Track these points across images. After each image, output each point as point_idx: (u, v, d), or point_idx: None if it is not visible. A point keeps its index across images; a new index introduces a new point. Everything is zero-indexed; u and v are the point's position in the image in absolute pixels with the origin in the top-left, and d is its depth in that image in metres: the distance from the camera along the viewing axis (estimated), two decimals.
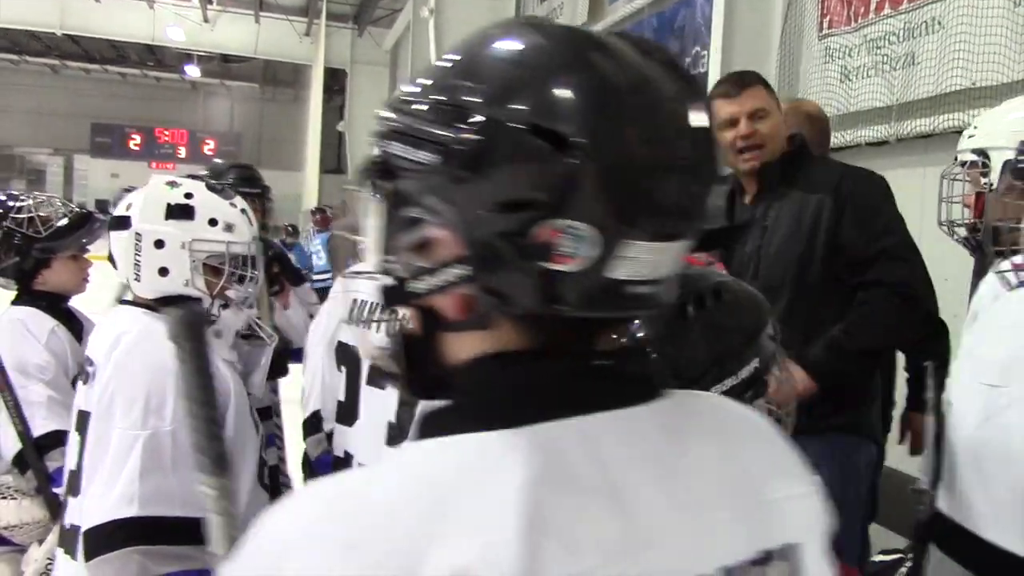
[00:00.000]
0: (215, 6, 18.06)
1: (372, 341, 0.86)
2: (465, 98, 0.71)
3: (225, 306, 2.06)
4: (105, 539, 1.72)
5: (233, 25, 18.27)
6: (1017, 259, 1.60)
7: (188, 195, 2.01)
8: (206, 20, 18.01)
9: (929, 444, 1.45)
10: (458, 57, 0.75)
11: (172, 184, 2.06)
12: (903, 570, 1.60)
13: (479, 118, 0.69)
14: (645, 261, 0.71)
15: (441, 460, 0.70)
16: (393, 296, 0.78)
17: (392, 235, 0.76)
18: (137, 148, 23.54)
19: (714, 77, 5.92)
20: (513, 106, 0.69)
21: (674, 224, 0.73)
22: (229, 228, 2.03)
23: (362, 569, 0.64)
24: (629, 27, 7.85)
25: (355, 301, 2.11)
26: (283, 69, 21.72)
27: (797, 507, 0.78)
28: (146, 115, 23.96)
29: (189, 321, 1.27)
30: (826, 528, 0.79)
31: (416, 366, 0.80)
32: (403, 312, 0.79)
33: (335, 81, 19.87)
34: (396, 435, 1.98)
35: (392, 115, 0.76)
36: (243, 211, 2.08)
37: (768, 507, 0.76)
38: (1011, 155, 1.99)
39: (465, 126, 0.69)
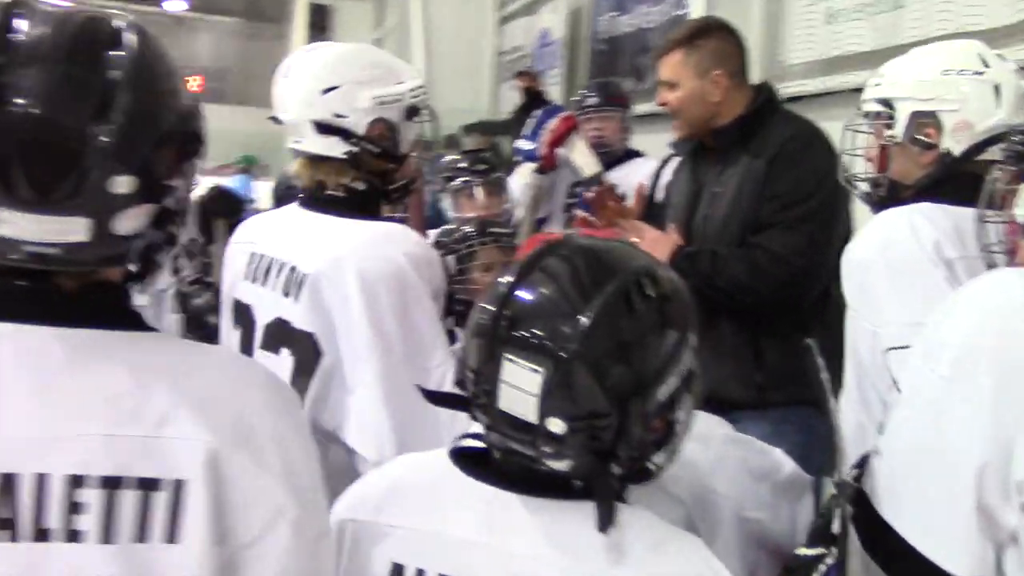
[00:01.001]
0: None
1: None
2: None
3: None
4: None
5: None
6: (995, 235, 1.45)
7: None
8: None
9: (836, 431, 1.29)
10: None
11: None
12: (822, 568, 1.45)
13: None
14: (12, 225, 0.89)
15: None
16: None
17: None
18: None
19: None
20: None
21: (10, 199, 0.88)
22: None
23: None
24: None
25: (252, 255, 1.84)
26: (269, 4, 21.20)
27: (189, 448, 0.90)
28: None
29: None
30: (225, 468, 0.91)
31: None
32: None
33: (321, 17, 19.40)
34: None
35: None
36: None
37: (159, 443, 0.90)
38: (917, 106, 1.85)
39: None
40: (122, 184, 0.91)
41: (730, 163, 2.41)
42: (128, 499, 0.88)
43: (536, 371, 1.09)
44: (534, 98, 7.08)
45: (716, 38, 2.50)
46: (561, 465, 1.12)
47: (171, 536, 0.89)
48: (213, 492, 0.90)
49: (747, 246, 2.33)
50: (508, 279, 1.18)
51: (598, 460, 1.12)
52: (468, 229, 2.44)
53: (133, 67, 0.93)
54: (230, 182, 10.60)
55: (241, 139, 11.79)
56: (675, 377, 1.15)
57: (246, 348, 1.88)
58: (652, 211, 2.67)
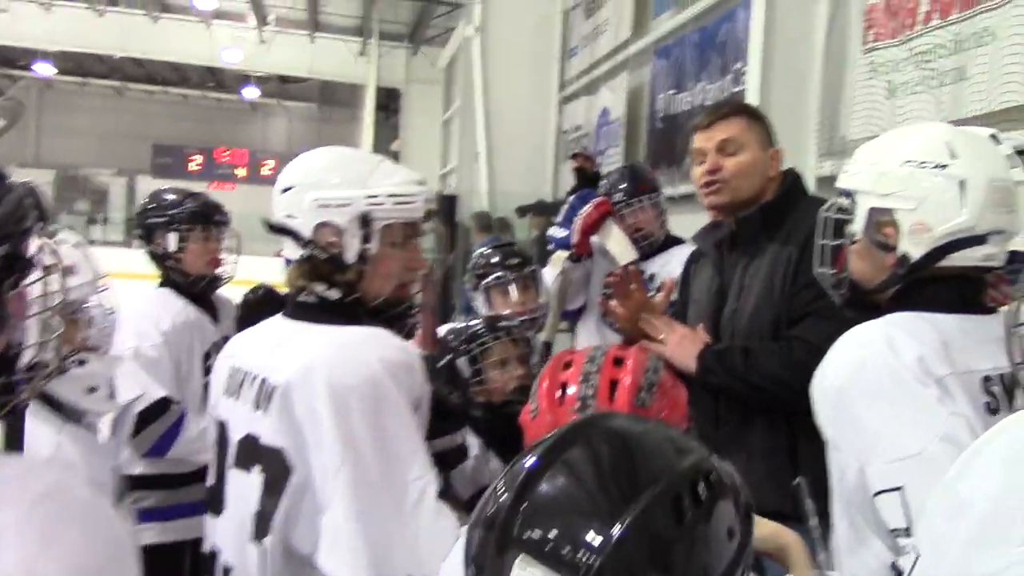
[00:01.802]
0: (271, 27, 18.10)
1: None
2: None
3: (82, 362, 1.82)
4: None
5: (288, 46, 18.28)
6: None
7: None
8: (262, 41, 18.05)
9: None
10: None
11: None
12: None
13: None
14: None
15: None
16: None
17: None
18: (198, 168, 23.65)
19: (753, 95, 5.54)
20: None
21: None
22: (68, 271, 1.77)
23: None
24: (671, 43, 7.49)
25: (232, 368, 1.67)
26: (340, 89, 21.76)
27: None
28: (207, 136, 24.15)
29: None
30: None
31: None
32: None
33: (392, 100, 19.80)
34: (262, 527, 1.64)
35: None
36: (76, 245, 1.86)
37: None
38: (875, 201, 1.61)
39: None
40: None
41: (756, 254, 2.24)
42: None
43: None
44: (589, 179, 6.95)
45: (765, 120, 2.38)
46: None
47: None
48: None
49: (781, 339, 2.14)
50: (527, 464, 0.97)
51: None
52: (477, 327, 2.28)
53: None
54: None
55: None
56: None
57: (220, 468, 1.75)
58: (681, 306, 2.49)
